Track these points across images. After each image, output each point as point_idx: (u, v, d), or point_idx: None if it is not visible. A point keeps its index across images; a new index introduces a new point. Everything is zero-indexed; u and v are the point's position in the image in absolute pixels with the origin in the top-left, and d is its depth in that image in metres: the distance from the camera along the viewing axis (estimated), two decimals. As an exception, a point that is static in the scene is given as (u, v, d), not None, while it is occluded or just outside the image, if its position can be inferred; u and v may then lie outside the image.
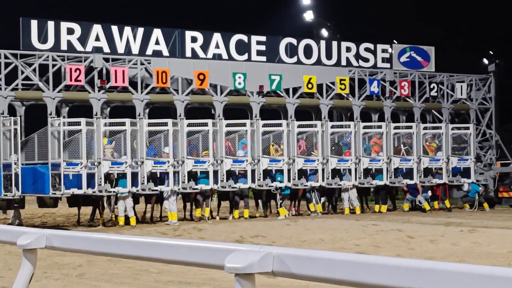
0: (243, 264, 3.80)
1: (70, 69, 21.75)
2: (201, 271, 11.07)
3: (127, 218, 21.95)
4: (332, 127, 25.36)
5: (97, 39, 22.71)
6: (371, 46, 26.96)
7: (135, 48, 23.25)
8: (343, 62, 26.29)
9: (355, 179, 25.15)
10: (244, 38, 24.89)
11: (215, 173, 23.13)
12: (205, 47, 24.18)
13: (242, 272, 3.81)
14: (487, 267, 3.06)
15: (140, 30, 23.40)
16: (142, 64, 23.18)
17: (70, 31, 22.40)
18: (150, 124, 22.68)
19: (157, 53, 23.47)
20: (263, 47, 25.12)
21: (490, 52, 34.11)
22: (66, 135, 21.32)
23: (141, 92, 23.07)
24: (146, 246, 4.83)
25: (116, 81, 22.41)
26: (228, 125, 23.63)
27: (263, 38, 25.27)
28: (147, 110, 24.13)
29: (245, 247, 3.96)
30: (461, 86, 28.29)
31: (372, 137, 26.15)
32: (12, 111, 22.45)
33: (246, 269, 3.80)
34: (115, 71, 22.40)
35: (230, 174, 23.54)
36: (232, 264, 3.86)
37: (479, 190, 26.58)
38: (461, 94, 28.25)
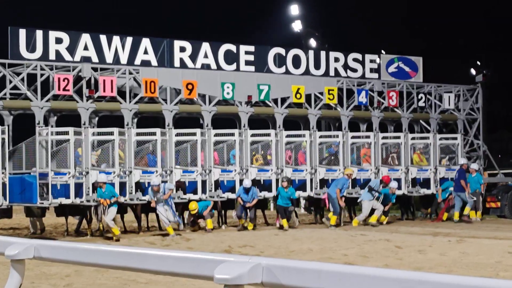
0: (232, 275, 3.78)
1: (59, 78, 21.70)
2: (189, 282, 11.04)
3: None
4: (321, 137, 25.40)
5: (86, 48, 22.67)
6: (359, 56, 27.00)
7: (124, 58, 23.21)
8: (332, 72, 26.32)
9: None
10: (233, 48, 24.89)
11: (204, 183, 23.11)
12: (193, 57, 24.17)
13: (232, 284, 3.79)
14: (476, 278, 3.07)
15: (129, 40, 23.38)
16: (130, 73, 23.15)
17: (59, 41, 22.35)
18: (138, 134, 22.65)
19: (145, 63, 23.45)
20: (251, 57, 25.13)
21: (478, 62, 34.22)
22: (54, 144, 21.26)
23: (130, 102, 23.03)
24: (134, 257, 4.82)
25: (104, 91, 22.36)
26: (216, 135, 23.63)
27: (251, 48, 25.29)
28: (136, 120, 24.09)
29: (234, 257, 3.95)
30: (449, 96, 28.37)
31: (361, 148, 26.14)
32: (-1, 120, 22.39)
33: (235, 280, 3.78)
34: (104, 80, 22.36)
35: (218, 184, 23.53)
36: (221, 275, 3.84)
37: (482, 181, 25.87)
38: (449, 105, 28.33)
